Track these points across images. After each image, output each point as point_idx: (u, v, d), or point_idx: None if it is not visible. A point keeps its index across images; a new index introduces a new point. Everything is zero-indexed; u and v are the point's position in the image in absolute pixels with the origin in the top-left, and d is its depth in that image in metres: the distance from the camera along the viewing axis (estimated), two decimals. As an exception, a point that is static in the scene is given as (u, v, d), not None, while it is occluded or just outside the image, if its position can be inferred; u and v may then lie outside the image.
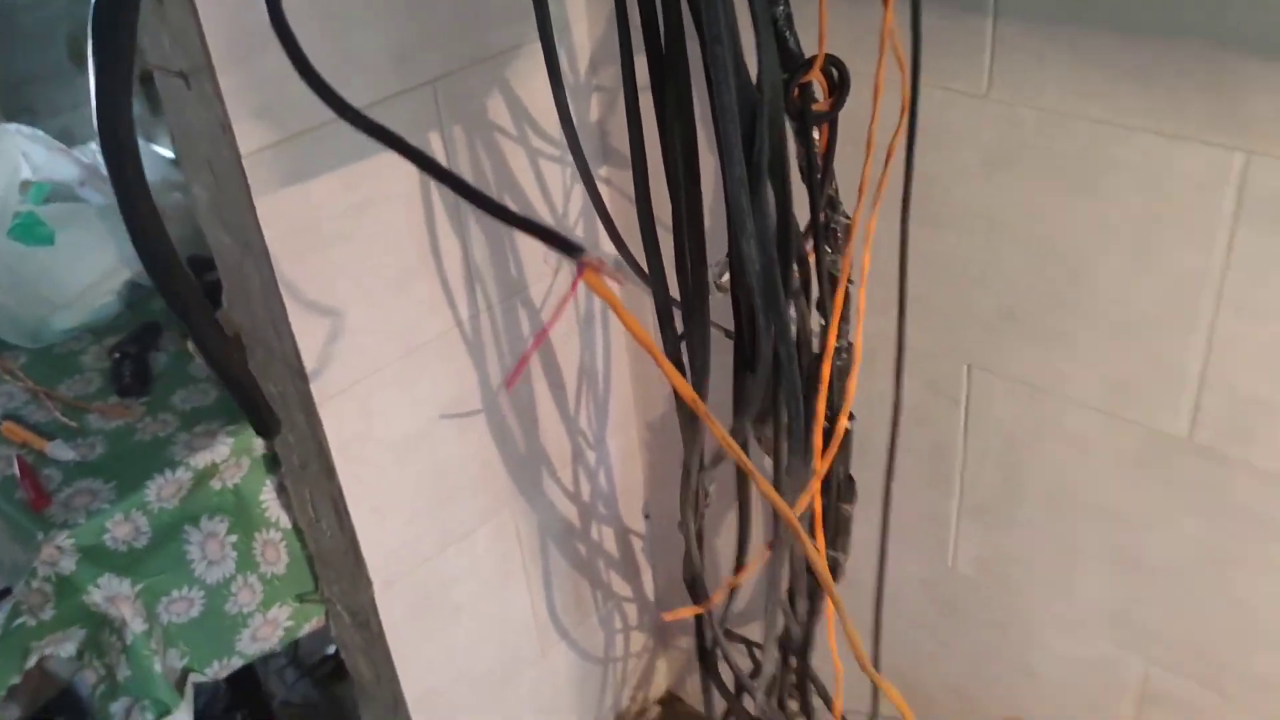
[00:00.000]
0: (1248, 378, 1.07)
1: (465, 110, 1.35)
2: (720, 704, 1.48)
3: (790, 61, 0.97)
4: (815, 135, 1.05)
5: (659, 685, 2.07)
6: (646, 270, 1.06)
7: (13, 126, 1.81)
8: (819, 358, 1.13)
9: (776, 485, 1.14)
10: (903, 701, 1.02)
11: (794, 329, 1.09)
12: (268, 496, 1.52)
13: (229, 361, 0.76)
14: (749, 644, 1.47)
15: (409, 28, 1.25)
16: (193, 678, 1.53)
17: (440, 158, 1.33)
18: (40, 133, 1.82)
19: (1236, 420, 1.09)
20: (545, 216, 1.48)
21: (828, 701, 1.48)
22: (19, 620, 1.37)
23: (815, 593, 1.33)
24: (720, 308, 1.06)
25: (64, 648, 1.43)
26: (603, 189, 1.34)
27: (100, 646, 1.44)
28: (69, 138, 1.90)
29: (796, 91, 1.01)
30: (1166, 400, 1.13)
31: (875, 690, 1.49)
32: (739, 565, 1.30)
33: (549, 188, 1.47)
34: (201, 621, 1.50)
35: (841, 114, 1.06)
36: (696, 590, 1.27)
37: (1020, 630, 1.41)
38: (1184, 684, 1.28)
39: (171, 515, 1.43)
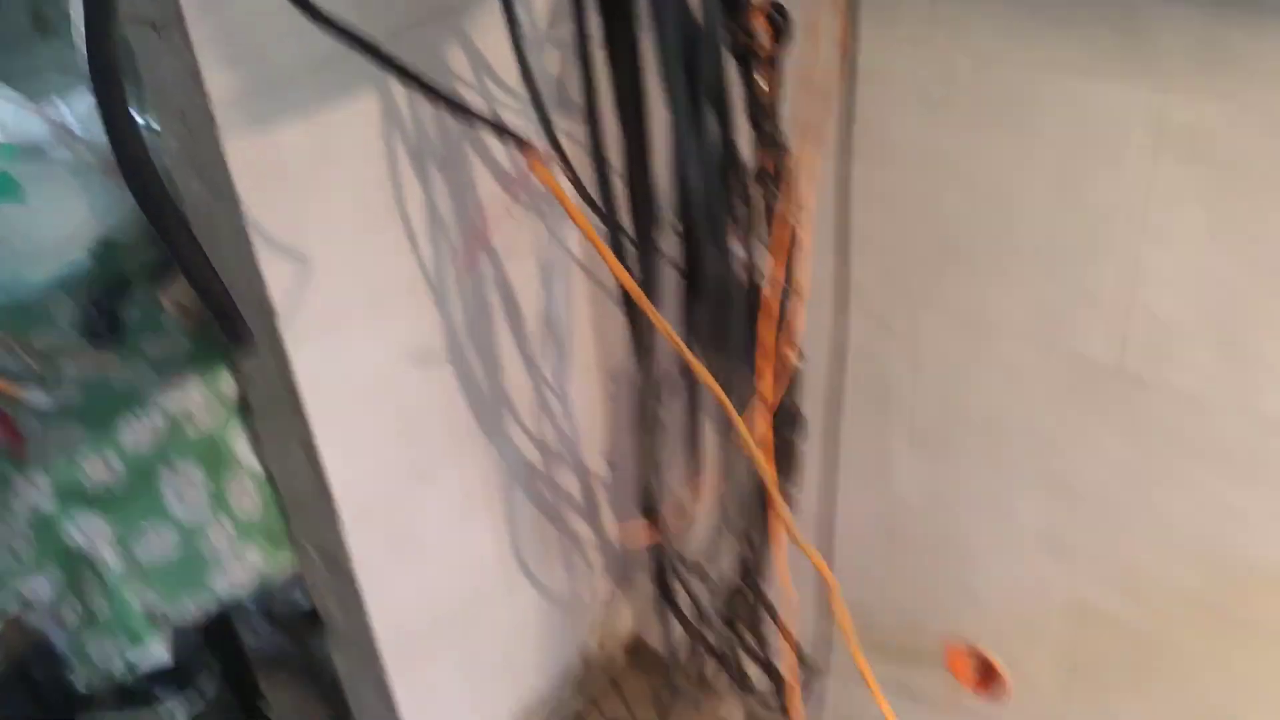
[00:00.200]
0: (1167, 304, 1.14)
1: (426, 64, 1.39)
2: (680, 635, 1.55)
3: (733, 4, 1.03)
4: (759, 77, 1.11)
5: (624, 630, 2.13)
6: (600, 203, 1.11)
7: (-20, 87, 1.84)
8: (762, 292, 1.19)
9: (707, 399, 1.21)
10: (847, 618, 1.08)
11: (740, 263, 1.15)
12: (240, 441, 1.58)
13: (201, 266, 0.81)
14: (705, 576, 1.54)
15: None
16: (168, 618, 1.58)
17: (401, 110, 1.37)
18: (10, 90, 1.84)
19: (1158, 345, 1.16)
20: (508, 165, 1.53)
21: (782, 629, 1.55)
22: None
23: (767, 519, 1.39)
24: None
25: (41, 589, 1.48)
26: (563, 141, 1.40)
27: (78, 586, 1.49)
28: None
29: (741, 35, 1.07)
30: (1093, 328, 1.20)
31: (828, 617, 1.56)
32: (692, 488, 1.37)
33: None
34: (177, 562, 1.55)
35: (786, 57, 1.12)
36: (653, 516, 1.34)
37: (960, 554, 1.48)
38: (1112, 600, 1.35)
39: (146, 457, 1.48)
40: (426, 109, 1.40)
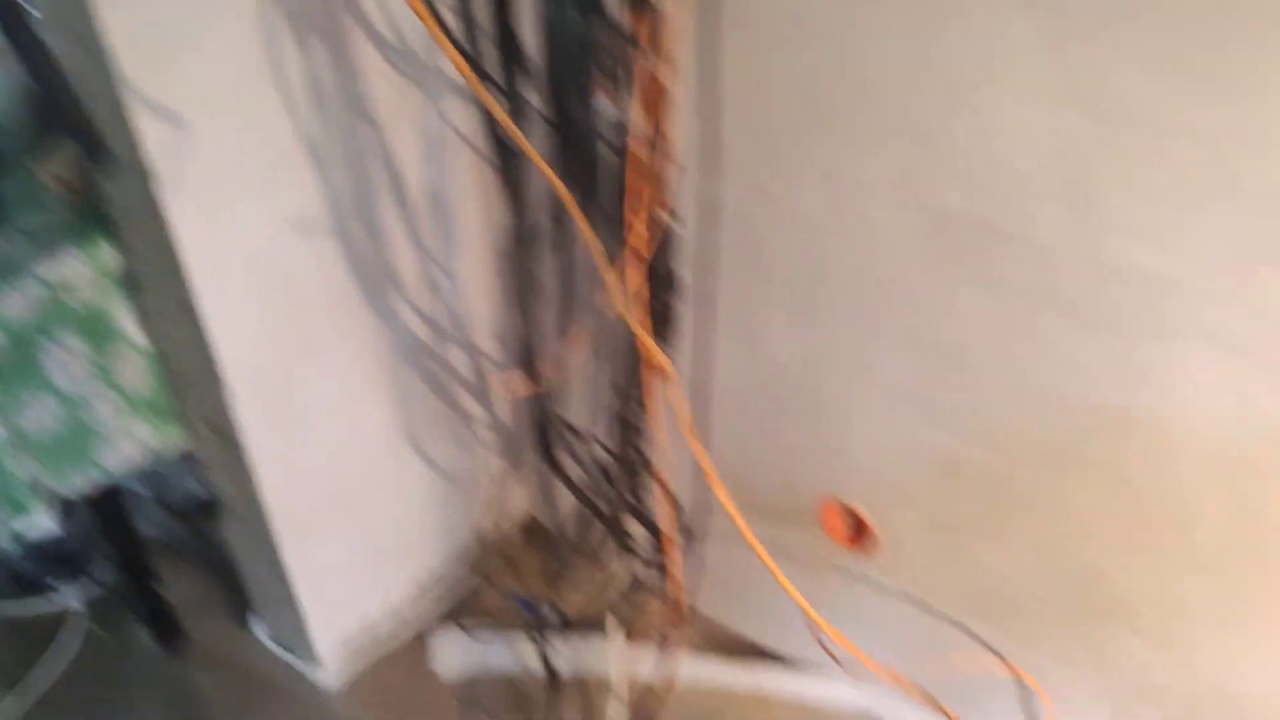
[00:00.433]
0: (1018, 156, 1.20)
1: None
2: (569, 505, 1.60)
3: None
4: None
5: (518, 508, 2.18)
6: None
7: None
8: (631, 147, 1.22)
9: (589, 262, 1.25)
10: (711, 469, 1.13)
11: (609, 118, 1.18)
12: (124, 315, 1.58)
13: (55, 83, 0.81)
14: (587, 437, 1.59)
15: None
16: (54, 490, 1.59)
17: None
18: None
19: (1009, 198, 1.22)
20: (388, 34, 1.53)
21: (660, 488, 1.60)
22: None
23: (642, 378, 1.44)
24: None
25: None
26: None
27: (-39, 457, 1.49)
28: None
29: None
30: (949, 183, 1.26)
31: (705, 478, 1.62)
32: (567, 342, 1.41)
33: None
34: (61, 435, 1.56)
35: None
36: (529, 367, 1.38)
37: (832, 414, 1.55)
38: (971, 451, 1.43)
39: (25, 328, 1.48)
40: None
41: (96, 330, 1.56)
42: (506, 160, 1.25)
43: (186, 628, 2.04)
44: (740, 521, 1.38)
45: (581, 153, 1.14)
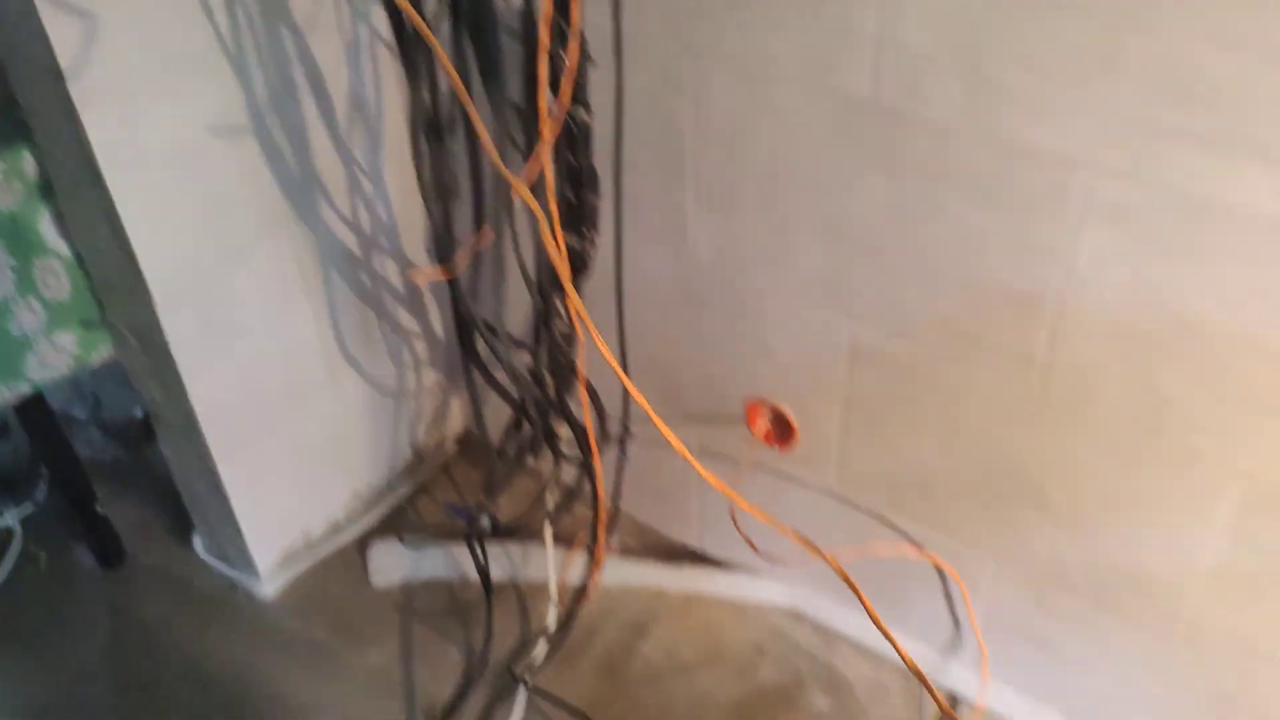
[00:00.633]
0: (920, 37, 1.21)
1: None
2: (499, 414, 1.61)
3: None
4: None
5: (455, 423, 2.20)
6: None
7: None
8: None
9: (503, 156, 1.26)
10: (615, 361, 1.15)
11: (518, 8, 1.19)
12: (44, 221, 1.57)
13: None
14: (510, 338, 1.60)
15: None
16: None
17: None
18: None
19: (911, 79, 1.24)
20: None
21: (580, 386, 1.62)
22: None
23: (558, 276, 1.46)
24: None
25: None
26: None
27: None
28: None
29: None
30: (854, 66, 1.27)
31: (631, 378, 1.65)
32: (478, 227, 1.42)
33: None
34: (-15, 344, 1.56)
35: None
36: (443, 254, 1.39)
37: (752, 309, 1.57)
38: (883, 339, 1.46)
39: (-58, 233, 1.47)
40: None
41: (16, 237, 1.55)
42: (412, 50, 1.26)
43: (127, 547, 2.05)
44: (652, 413, 1.39)
45: (486, 42, 1.15)
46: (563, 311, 1.52)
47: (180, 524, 2.03)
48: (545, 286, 1.50)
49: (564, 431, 1.72)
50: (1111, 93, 1.12)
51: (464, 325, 1.54)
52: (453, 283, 1.48)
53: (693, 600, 1.92)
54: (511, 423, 1.82)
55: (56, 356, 1.65)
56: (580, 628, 1.87)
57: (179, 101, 1.48)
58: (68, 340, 1.66)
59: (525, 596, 1.92)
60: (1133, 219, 1.16)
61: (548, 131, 1.27)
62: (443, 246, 1.41)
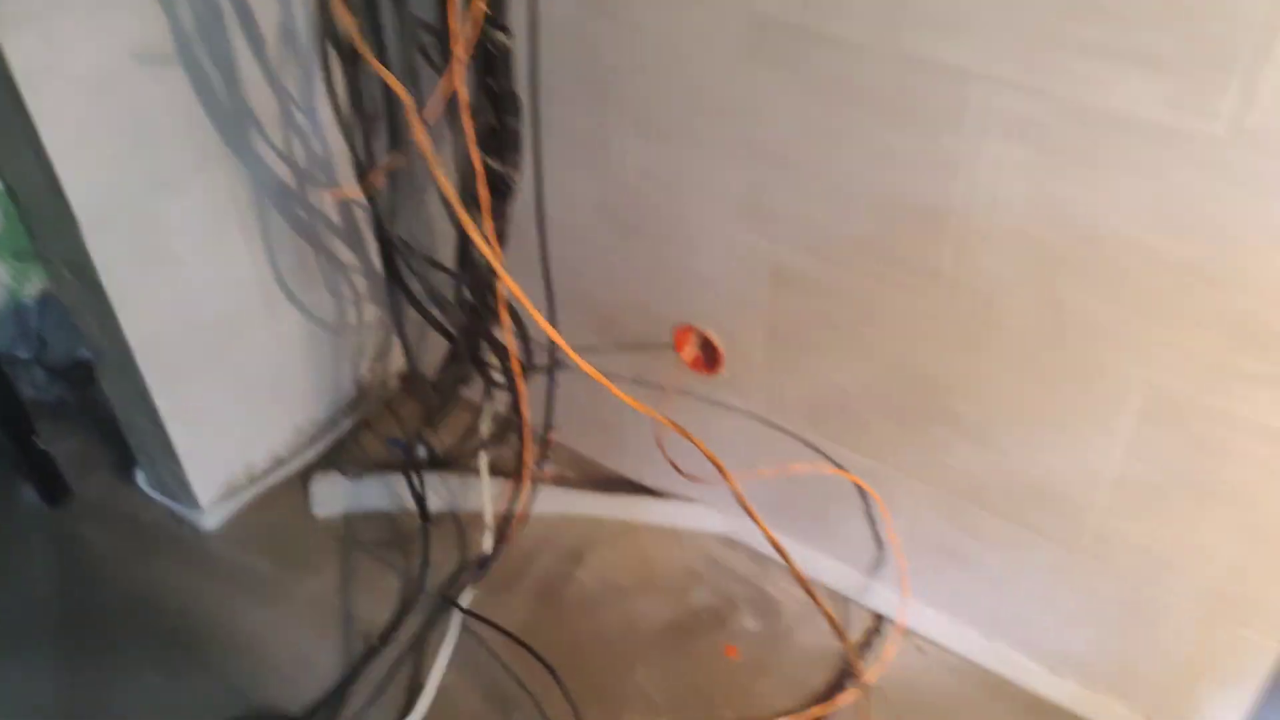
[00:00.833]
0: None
1: None
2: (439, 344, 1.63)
3: None
4: None
5: (399, 359, 2.21)
6: None
7: None
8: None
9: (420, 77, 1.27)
10: (516, 287, 1.17)
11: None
12: (-30, 152, 1.57)
13: None
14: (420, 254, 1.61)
15: None
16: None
17: None
18: None
19: (822, -3, 1.26)
20: None
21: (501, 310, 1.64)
22: None
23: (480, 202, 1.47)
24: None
25: None
26: None
27: None
28: None
29: None
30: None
31: (562, 306, 1.67)
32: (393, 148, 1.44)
33: None
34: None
35: None
36: (362, 178, 1.41)
37: (680, 234, 1.59)
38: (803, 260, 1.48)
39: None
40: None
41: (-56, 166, 1.56)
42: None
43: (71, 484, 2.06)
44: (564, 344, 1.41)
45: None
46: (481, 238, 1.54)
47: (124, 460, 2.05)
48: (468, 210, 1.52)
49: (495, 360, 1.75)
50: (1007, 4, 1.14)
51: (385, 247, 1.56)
52: (373, 206, 1.49)
53: (630, 529, 1.96)
54: (449, 354, 1.85)
55: (-11, 288, 1.67)
56: (518, 556, 1.90)
57: (101, 24, 1.48)
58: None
59: (464, 525, 1.95)
60: (1030, 131, 1.19)
61: (461, 50, 1.28)
62: (361, 169, 1.42)
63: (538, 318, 1.37)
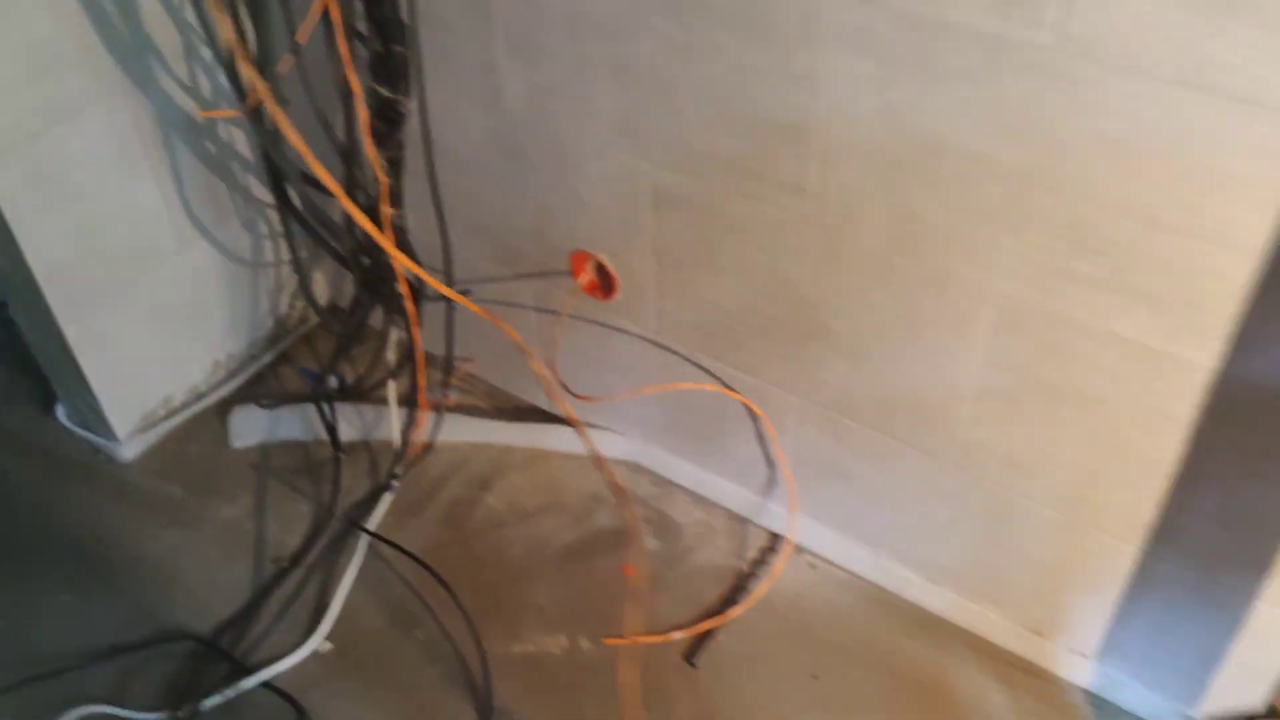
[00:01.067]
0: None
1: None
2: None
3: None
4: None
5: (319, 295, 2.24)
6: None
7: None
8: None
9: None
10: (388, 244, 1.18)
11: None
12: None
13: None
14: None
15: None
16: None
17: None
18: None
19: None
20: None
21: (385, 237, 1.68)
22: None
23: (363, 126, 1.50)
24: None
25: None
26: None
27: None
28: None
29: None
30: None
31: (458, 235, 1.70)
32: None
33: None
34: None
35: None
36: (242, 99, 1.44)
37: (568, 162, 1.62)
38: (678, 178, 1.51)
39: None
40: None
41: None
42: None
43: (-10, 419, 2.10)
44: (427, 275, 1.43)
45: None
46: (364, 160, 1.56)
47: (45, 394, 2.08)
48: (351, 135, 1.55)
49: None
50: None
51: (271, 170, 1.59)
52: (257, 128, 1.52)
53: (540, 456, 2.00)
54: (359, 290, 1.88)
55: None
56: (428, 482, 1.94)
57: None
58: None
59: (375, 453, 1.99)
60: (876, 43, 1.22)
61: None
62: (240, 92, 1.45)
63: (388, 247, 1.40)
